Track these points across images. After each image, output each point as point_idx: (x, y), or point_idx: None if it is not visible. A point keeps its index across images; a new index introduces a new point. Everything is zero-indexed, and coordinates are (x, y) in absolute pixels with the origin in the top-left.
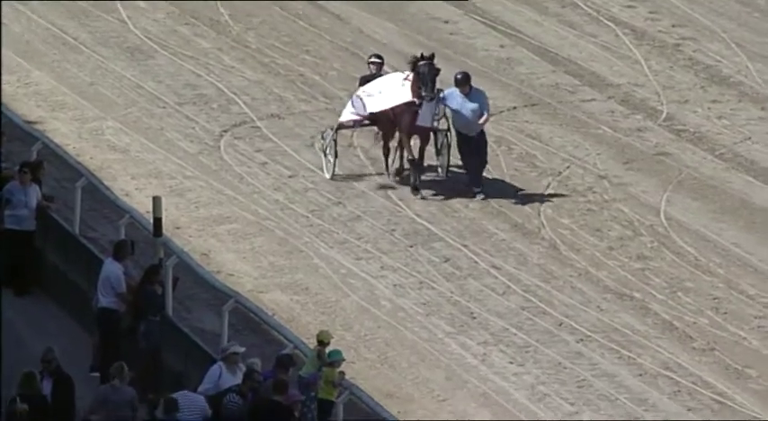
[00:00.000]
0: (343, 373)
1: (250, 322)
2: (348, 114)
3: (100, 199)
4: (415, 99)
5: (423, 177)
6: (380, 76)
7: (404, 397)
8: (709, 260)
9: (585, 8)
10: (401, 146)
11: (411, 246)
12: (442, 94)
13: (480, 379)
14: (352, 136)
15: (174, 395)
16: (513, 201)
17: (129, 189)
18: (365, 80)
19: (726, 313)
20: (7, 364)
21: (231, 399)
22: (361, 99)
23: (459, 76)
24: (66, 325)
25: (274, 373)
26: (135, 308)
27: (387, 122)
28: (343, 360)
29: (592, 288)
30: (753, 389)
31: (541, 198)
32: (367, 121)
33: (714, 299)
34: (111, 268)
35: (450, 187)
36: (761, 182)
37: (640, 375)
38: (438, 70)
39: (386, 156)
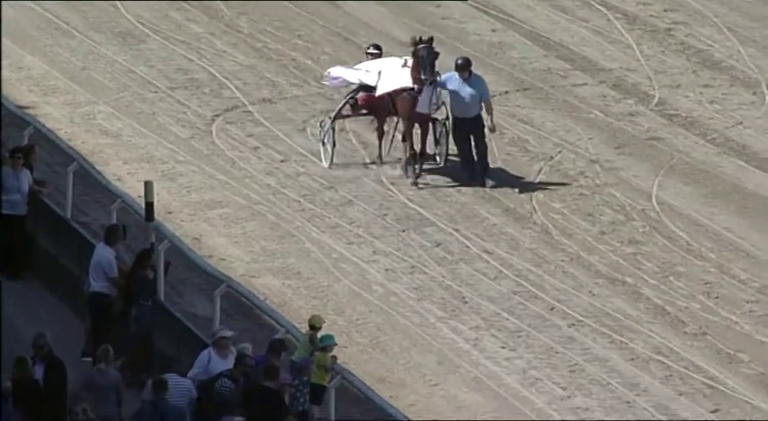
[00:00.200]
0: (335, 358)
1: (242, 307)
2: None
3: (91, 183)
4: (415, 85)
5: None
6: None
7: (396, 381)
8: (700, 245)
9: None
10: (403, 133)
11: (403, 231)
12: (440, 78)
13: (472, 363)
14: (344, 120)
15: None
16: (505, 185)
17: (121, 173)
18: None
19: (718, 298)
20: None
21: (223, 384)
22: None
23: (459, 61)
24: (58, 309)
25: (266, 358)
26: (126, 292)
27: (384, 110)
28: (335, 344)
29: (584, 272)
30: (745, 373)
31: (533, 182)
32: (364, 110)
33: (706, 283)
34: (103, 253)
35: (449, 175)
36: (753, 166)
37: (632, 360)
38: (437, 54)
39: (380, 138)
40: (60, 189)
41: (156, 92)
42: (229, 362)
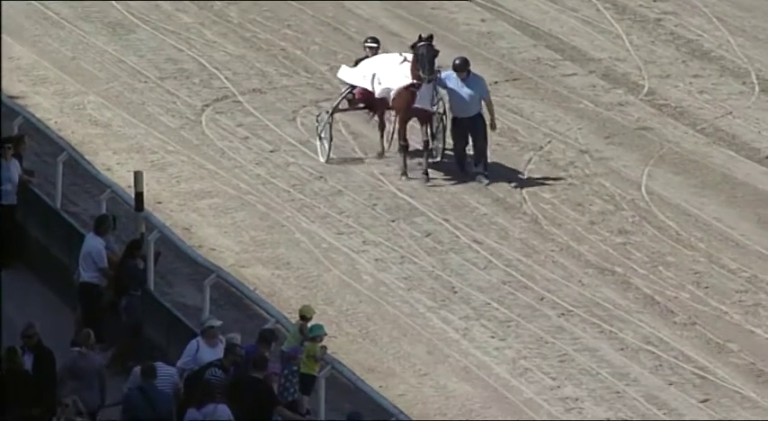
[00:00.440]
0: (324, 348)
1: (232, 297)
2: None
3: (81, 173)
4: (414, 81)
5: (411, 160)
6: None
7: (385, 371)
8: (690, 234)
9: None
10: (400, 130)
11: (393, 221)
12: (439, 75)
13: (462, 353)
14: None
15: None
16: (495, 176)
17: (111, 163)
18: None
19: (707, 287)
20: None
21: (213, 374)
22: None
23: (457, 62)
24: (48, 299)
25: (256, 348)
26: (117, 282)
27: (382, 105)
28: (325, 334)
29: (573, 262)
30: (734, 363)
31: (523, 173)
32: (362, 105)
33: (695, 273)
34: (93, 243)
35: (440, 167)
36: (742, 156)
37: (622, 350)
38: (437, 51)
39: (382, 132)
40: (50, 179)
41: (145, 82)
42: (218, 352)
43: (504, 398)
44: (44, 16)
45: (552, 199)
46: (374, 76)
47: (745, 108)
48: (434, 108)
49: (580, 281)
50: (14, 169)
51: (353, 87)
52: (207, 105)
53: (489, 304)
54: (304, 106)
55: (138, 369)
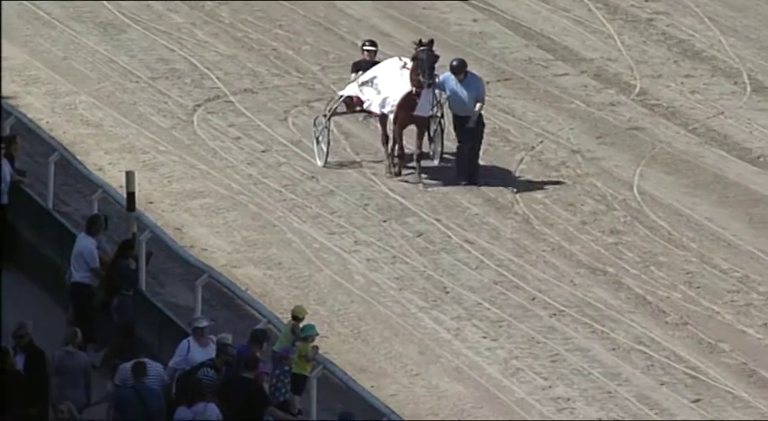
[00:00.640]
0: (316, 348)
1: (223, 297)
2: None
3: (73, 173)
4: (414, 88)
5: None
6: (375, 63)
7: (377, 371)
8: (682, 234)
9: None
10: (396, 135)
11: (384, 221)
12: (437, 79)
13: (453, 353)
14: (325, 110)
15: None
16: (487, 175)
17: (103, 163)
18: (357, 67)
19: (699, 287)
20: None
21: (205, 373)
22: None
23: (454, 64)
24: (40, 299)
25: (248, 348)
26: (108, 282)
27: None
28: (317, 334)
29: (565, 262)
30: (726, 363)
31: (515, 172)
32: (359, 108)
33: (687, 273)
34: (85, 243)
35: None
36: (734, 156)
37: (613, 350)
38: (437, 57)
39: (385, 144)
40: (42, 179)
41: (137, 82)
42: (210, 352)
43: (495, 398)
44: (35, 16)
45: (544, 199)
46: (376, 90)
47: (737, 108)
48: (433, 112)
49: (572, 281)
50: (6, 169)
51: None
52: (198, 105)
53: (481, 304)
54: (296, 106)
55: (124, 366)
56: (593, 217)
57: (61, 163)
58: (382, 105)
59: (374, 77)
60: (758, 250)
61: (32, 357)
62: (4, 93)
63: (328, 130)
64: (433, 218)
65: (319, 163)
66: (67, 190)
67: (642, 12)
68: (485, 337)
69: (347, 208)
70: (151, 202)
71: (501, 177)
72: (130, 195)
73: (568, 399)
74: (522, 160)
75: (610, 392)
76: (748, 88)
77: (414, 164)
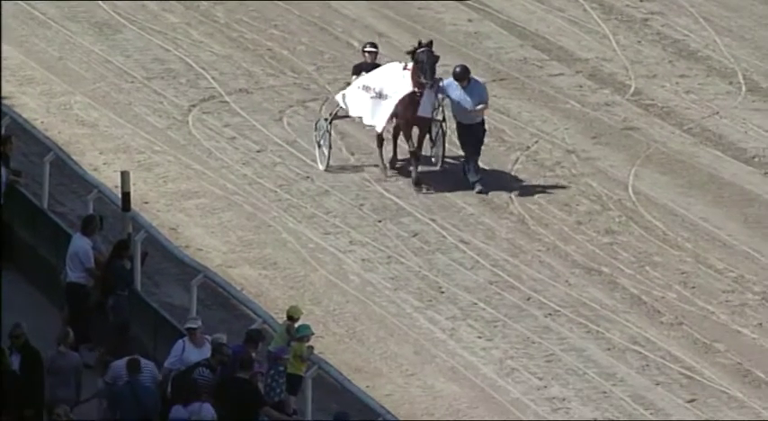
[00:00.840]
0: (311, 348)
1: (219, 297)
2: (344, 104)
3: (68, 173)
4: (416, 89)
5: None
6: (376, 65)
7: (372, 371)
8: (677, 234)
9: None
10: (395, 137)
11: (379, 221)
12: (441, 84)
13: (449, 353)
14: (320, 110)
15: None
16: (482, 176)
17: (98, 164)
18: (359, 69)
19: (694, 287)
20: None
21: (201, 373)
22: (359, 95)
23: (457, 70)
24: (35, 300)
25: (244, 348)
26: (103, 282)
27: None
28: (312, 334)
29: (560, 262)
30: (721, 363)
31: (510, 173)
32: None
33: (682, 273)
34: (80, 243)
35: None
36: (729, 156)
37: (609, 350)
38: (437, 57)
39: (380, 147)
40: (37, 179)
41: (132, 82)
42: (205, 352)
43: (490, 398)
44: (31, 16)
45: (539, 199)
46: (380, 91)
47: (732, 108)
48: (434, 115)
49: (567, 281)
50: (1, 169)
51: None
52: (194, 105)
53: (476, 304)
54: (291, 106)
55: (116, 363)
56: (588, 217)
57: (56, 163)
58: (373, 115)
59: (374, 85)
60: (753, 250)
61: (28, 357)
62: None
63: (330, 134)
64: (428, 218)
65: (321, 167)
66: (63, 190)
67: (637, 12)
68: (480, 337)
69: (342, 208)
70: (146, 202)
71: (496, 177)
72: (126, 195)
73: (563, 399)
74: (517, 160)
75: (605, 392)
76: (743, 88)
77: (411, 167)
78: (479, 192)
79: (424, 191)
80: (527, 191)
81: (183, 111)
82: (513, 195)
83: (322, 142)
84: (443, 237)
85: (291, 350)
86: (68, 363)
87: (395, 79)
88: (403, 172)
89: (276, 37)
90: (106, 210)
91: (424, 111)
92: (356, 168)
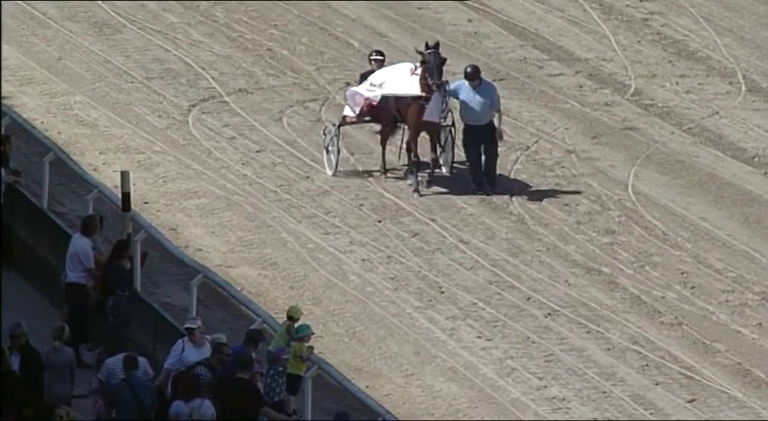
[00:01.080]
0: (311, 348)
1: (218, 297)
2: (348, 110)
3: (68, 174)
4: (424, 93)
5: (423, 173)
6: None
7: (372, 371)
8: (677, 234)
9: None
10: (383, 143)
11: (379, 221)
12: (449, 86)
13: (448, 353)
14: (320, 111)
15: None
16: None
17: (98, 164)
18: (365, 77)
19: (694, 287)
20: None
21: (200, 372)
22: (360, 93)
23: (468, 70)
24: (35, 300)
25: (244, 348)
26: (103, 283)
27: (390, 118)
28: (312, 334)
29: (560, 262)
30: (721, 363)
31: (510, 172)
32: (368, 117)
33: (682, 273)
34: (80, 243)
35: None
36: (729, 156)
37: (608, 349)
38: (444, 59)
39: (383, 147)
40: (37, 179)
41: (132, 82)
42: (204, 352)
43: (490, 398)
44: (30, 16)
45: (539, 199)
46: (381, 83)
47: (732, 108)
48: (443, 120)
49: (567, 281)
50: (1, 170)
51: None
52: (193, 105)
53: (476, 304)
54: (291, 106)
55: (110, 360)
56: (588, 217)
57: (56, 163)
58: (386, 91)
59: (383, 81)
60: (753, 250)
61: (28, 357)
62: None
63: (338, 139)
64: (428, 218)
65: (329, 172)
66: (62, 190)
67: (637, 12)
68: (480, 337)
69: (342, 208)
70: (146, 202)
71: (496, 177)
72: (125, 195)
73: (563, 399)
74: (517, 160)
75: (605, 392)
76: (743, 88)
77: (427, 172)
78: (485, 193)
79: (424, 193)
80: (527, 191)
81: (182, 112)
82: (512, 195)
83: (330, 147)
84: (443, 237)
85: (291, 350)
86: (63, 359)
87: (400, 76)
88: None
89: (276, 37)
90: (106, 210)
91: (430, 115)
92: (356, 168)
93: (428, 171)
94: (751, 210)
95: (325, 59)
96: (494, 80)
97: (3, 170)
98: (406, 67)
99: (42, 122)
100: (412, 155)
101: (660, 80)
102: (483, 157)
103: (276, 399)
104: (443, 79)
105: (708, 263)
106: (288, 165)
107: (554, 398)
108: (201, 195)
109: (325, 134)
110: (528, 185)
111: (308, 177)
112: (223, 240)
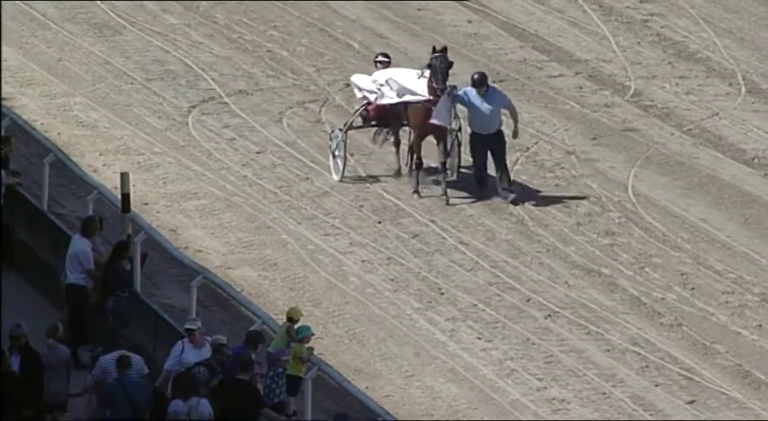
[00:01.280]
0: (311, 349)
1: (218, 298)
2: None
3: (68, 175)
4: (431, 96)
5: (427, 178)
6: None
7: (372, 372)
8: (676, 236)
9: None
10: (411, 143)
11: (379, 222)
12: (457, 92)
13: (448, 354)
14: (320, 112)
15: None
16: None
17: (97, 165)
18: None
19: (693, 289)
20: None
21: (198, 371)
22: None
23: (476, 77)
24: (35, 301)
25: (243, 350)
26: (103, 284)
27: (396, 121)
28: (312, 335)
29: (560, 264)
30: (720, 364)
31: (509, 174)
32: (375, 122)
33: (682, 274)
34: (80, 244)
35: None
36: (728, 157)
37: (608, 351)
38: (451, 63)
39: (396, 146)
40: (37, 180)
41: (132, 83)
42: (204, 353)
43: (490, 399)
44: (30, 17)
45: (538, 200)
46: (387, 81)
47: (732, 109)
48: (450, 124)
49: (566, 282)
50: (1, 171)
51: (368, 103)
52: (193, 107)
53: (476, 305)
54: (290, 108)
55: (105, 358)
56: (587, 218)
57: (56, 164)
58: (398, 94)
59: (390, 78)
60: (753, 251)
61: (28, 358)
62: None
63: (345, 144)
64: (427, 219)
65: (336, 177)
66: (62, 191)
67: (637, 13)
68: (479, 338)
69: (342, 209)
70: (146, 204)
71: (495, 179)
72: (125, 196)
73: (563, 400)
74: (516, 161)
75: (605, 393)
76: (743, 89)
77: (437, 177)
78: (513, 203)
79: (423, 194)
80: (527, 192)
81: (182, 113)
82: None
83: (337, 152)
84: (443, 238)
85: (291, 351)
86: (58, 357)
87: (409, 78)
88: (427, 189)
89: (276, 38)
90: (106, 211)
91: (438, 118)
92: (356, 169)
93: (434, 177)
94: (751, 211)
95: (325, 61)
96: (494, 81)
97: (3, 171)
98: (413, 72)
99: (42, 124)
100: (414, 157)
101: (660, 81)
102: (494, 163)
103: (276, 401)
104: (451, 85)
105: (708, 264)
106: (288, 166)
107: (554, 399)
108: (201, 196)
109: (331, 139)
110: (528, 186)
111: (307, 178)
112: (223, 241)
